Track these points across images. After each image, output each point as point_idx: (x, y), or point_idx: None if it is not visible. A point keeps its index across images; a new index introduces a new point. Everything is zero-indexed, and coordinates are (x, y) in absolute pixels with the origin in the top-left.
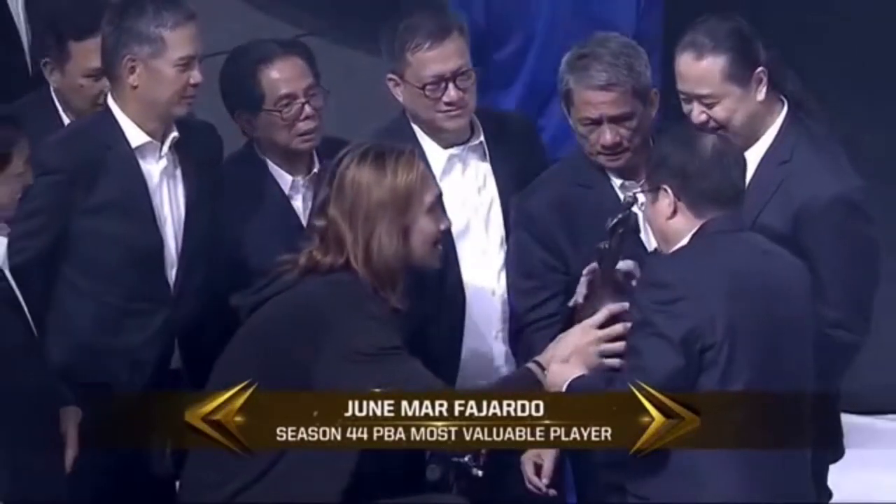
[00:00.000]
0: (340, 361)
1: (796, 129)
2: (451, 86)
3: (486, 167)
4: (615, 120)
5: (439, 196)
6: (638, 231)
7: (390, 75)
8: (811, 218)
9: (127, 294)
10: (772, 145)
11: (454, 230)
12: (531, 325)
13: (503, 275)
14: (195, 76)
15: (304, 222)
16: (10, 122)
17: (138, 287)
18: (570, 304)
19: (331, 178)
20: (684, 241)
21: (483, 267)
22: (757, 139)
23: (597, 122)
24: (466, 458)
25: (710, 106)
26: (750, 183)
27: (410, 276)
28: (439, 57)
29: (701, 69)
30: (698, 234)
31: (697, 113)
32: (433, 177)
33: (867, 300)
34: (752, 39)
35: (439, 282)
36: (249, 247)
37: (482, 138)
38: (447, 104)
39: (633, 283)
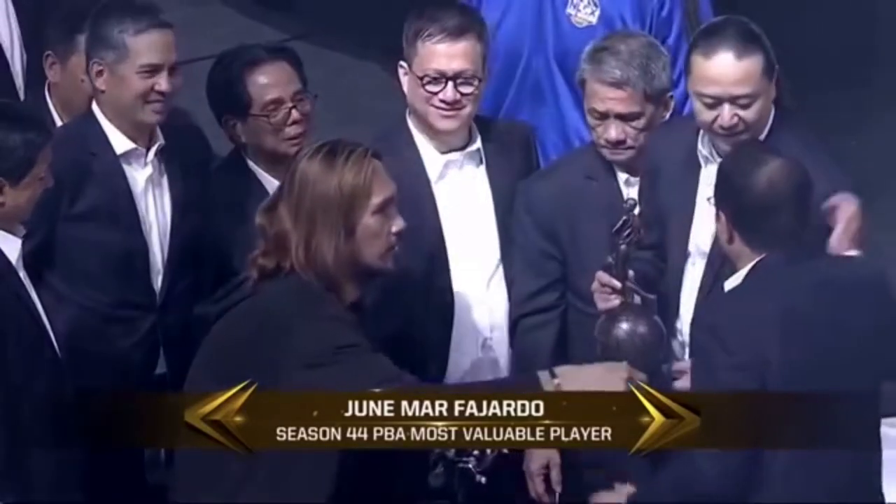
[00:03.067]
0: (300, 369)
1: (782, 128)
2: (450, 85)
3: (481, 174)
4: (622, 118)
5: (391, 197)
6: (641, 235)
7: (401, 62)
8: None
9: (112, 300)
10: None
11: (446, 236)
12: (527, 315)
13: (493, 282)
14: (161, 84)
15: None
16: (37, 125)
17: (124, 293)
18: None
19: (287, 173)
20: (743, 273)
21: (473, 274)
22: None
23: (604, 116)
24: (470, 465)
25: (745, 107)
26: None
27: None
28: (447, 53)
29: (742, 68)
30: (752, 270)
31: (729, 116)
32: (387, 176)
33: None
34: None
35: (427, 287)
36: (236, 253)
37: (479, 145)
38: (442, 101)
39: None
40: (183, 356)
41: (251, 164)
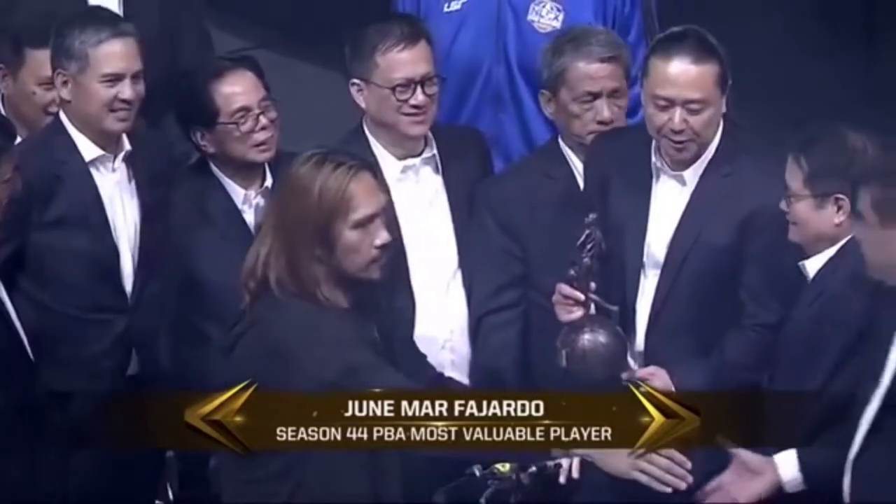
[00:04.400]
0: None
1: (732, 140)
2: (419, 89)
3: (438, 179)
4: (613, 94)
5: (375, 212)
6: (603, 249)
7: (354, 80)
8: (761, 225)
9: (85, 304)
10: (713, 158)
11: (405, 240)
12: (490, 313)
13: (452, 285)
14: (125, 92)
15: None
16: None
17: (96, 297)
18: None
19: (279, 178)
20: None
21: (433, 277)
22: (701, 155)
23: (596, 96)
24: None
25: (695, 112)
26: (692, 196)
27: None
28: (410, 59)
29: (696, 73)
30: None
31: (679, 120)
32: (375, 191)
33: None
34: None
35: (388, 290)
36: (203, 258)
37: (435, 151)
38: (414, 107)
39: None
40: (154, 357)
41: (216, 171)
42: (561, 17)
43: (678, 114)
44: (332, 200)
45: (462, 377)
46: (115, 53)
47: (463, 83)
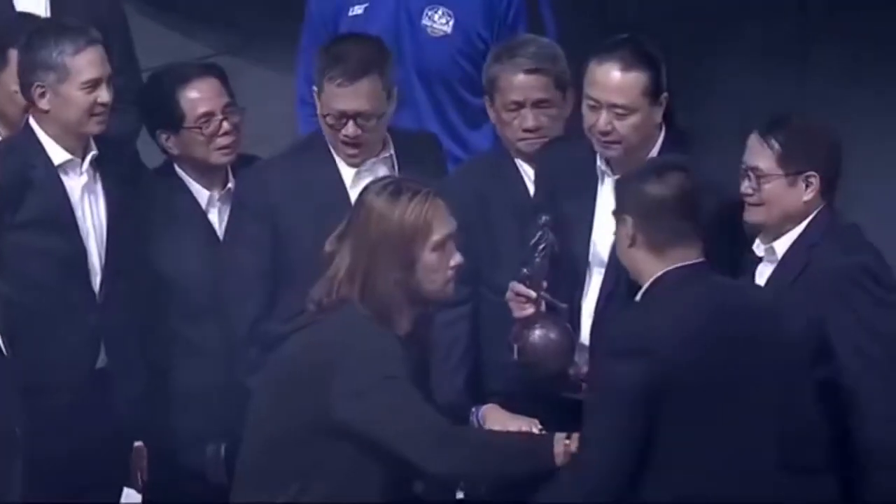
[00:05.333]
0: (349, 397)
1: (673, 146)
2: (350, 123)
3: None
4: (539, 104)
5: (450, 234)
6: (556, 249)
7: (315, 87)
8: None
9: (56, 302)
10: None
11: None
12: (443, 309)
13: None
14: (102, 96)
15: (219, 234)
16: None
17: (66, 295)
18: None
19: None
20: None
21: None
22: (640, 160)
23: (521, 106)
24: None
25: (620, 117)
26: None
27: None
28: (348, 95)
29: (623, 80)
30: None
31: (604, 122)
32: (447, 215)
33: None
34: (662, 64)
35: None
36: (168, 256)
37: (392, 151)
38: (344, 136)
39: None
40: (122, 352)
41: (181, 173)
42: (452, 22)
43: (604, 116)
44: (414, 226)
45: None
46: (91, 60)
47: None
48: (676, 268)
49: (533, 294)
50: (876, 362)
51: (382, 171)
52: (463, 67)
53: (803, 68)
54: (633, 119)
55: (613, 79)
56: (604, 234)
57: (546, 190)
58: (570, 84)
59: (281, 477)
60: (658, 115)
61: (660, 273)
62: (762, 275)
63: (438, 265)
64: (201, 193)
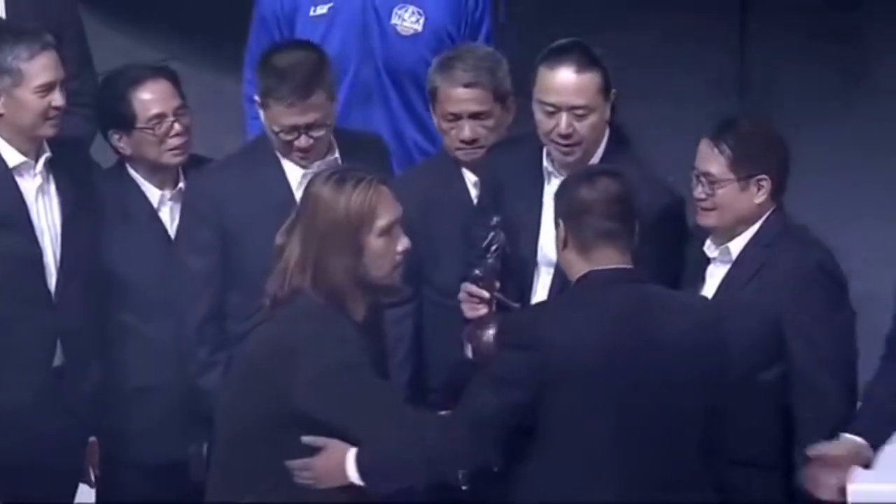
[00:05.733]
0: (309, 387)
1: (615, 146)
2: (303, 136)
3: None
4: (475, 116)
5: (396, 219)
6: (507, 251)
7: (257, 98)
8: (650, 222)
9: (13, 301)
10: (599, 163)
11: None
12: (386, 308)
13: None
14: (56, 99)
15: (170, 233)
16: None
17: (22, 295)
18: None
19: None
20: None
21: None
22: (589, 160)
23: (458, 118)
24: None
25: (581, 118)
26: None
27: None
28: (298, 112)
29: (581, 81)
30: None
31: (566, 124)
32: (393, 201)
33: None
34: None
35: None
36: (121, 255)
37: (337, 154)
38: (297, 148)
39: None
40: (77, 349)
41: (133, 173)
42: (422, 20)
43: (564, 119)
44: (359, 212)
45: None
46: (46, 65)
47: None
48: (596, 270)
49: (486, 294)
50: (830, 360)
51: None
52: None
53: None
54: (592, 119)
55: (571, 81)
56: (551, 234)
57: (492, 191)
58: (511, 93)
59: (251, 474)
60: (608, 112)
61: (583, 273)
62: (713, 275)
63: (385, 251)
64: (153, 193)
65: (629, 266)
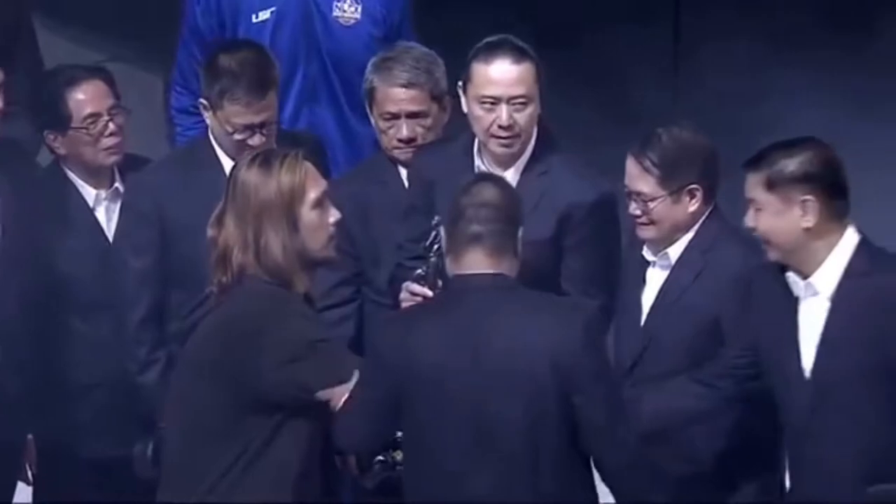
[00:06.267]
0: (279, 365)
1: (545, 142)
2: (257, 134)
3: None
4: (413, 116)
5: (324, 192)
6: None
7: (202, 101)
8: (577, 220)
9: None
10: (530, 158)
11: None
12: (326, 309)
13: None
14: None
15: (107, 232)
16: None
17: None
18: None
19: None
20: None
21: None
22: (521, 156)
23: (396, 117)
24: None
25: (520, 108)
26: None
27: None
28: (253, 112)
29: (519, 72)
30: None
31: (507, 116)
32: (318, 174)
33: (603, 279)
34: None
35: None
36: (58, 254)
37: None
38: (250, 146)
39: None
40: (15, 347)
41: (69, 174)
42: (360, 8)
43: (505, 110)
44: (291, 187)
45: None
46: None
47: (281, 85)
48: (458, 275)
49: (429, 293)
50: None
51: None
52: (375, 51)
53: None
54: (530, 109)
55: (510, 72)
56: None
57: (421, 191)
58: (447, 93)
59: (210, 465)
60: (539, 106)
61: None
62: (653, 279)
63: (319, 222)
64: (89, 193)
65: (495, 271)
